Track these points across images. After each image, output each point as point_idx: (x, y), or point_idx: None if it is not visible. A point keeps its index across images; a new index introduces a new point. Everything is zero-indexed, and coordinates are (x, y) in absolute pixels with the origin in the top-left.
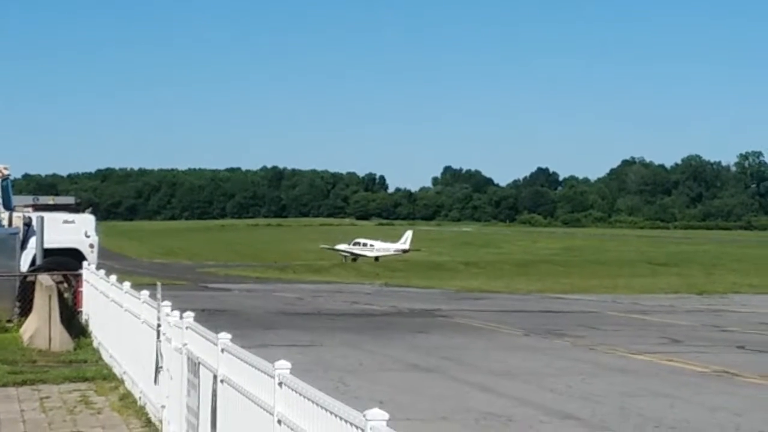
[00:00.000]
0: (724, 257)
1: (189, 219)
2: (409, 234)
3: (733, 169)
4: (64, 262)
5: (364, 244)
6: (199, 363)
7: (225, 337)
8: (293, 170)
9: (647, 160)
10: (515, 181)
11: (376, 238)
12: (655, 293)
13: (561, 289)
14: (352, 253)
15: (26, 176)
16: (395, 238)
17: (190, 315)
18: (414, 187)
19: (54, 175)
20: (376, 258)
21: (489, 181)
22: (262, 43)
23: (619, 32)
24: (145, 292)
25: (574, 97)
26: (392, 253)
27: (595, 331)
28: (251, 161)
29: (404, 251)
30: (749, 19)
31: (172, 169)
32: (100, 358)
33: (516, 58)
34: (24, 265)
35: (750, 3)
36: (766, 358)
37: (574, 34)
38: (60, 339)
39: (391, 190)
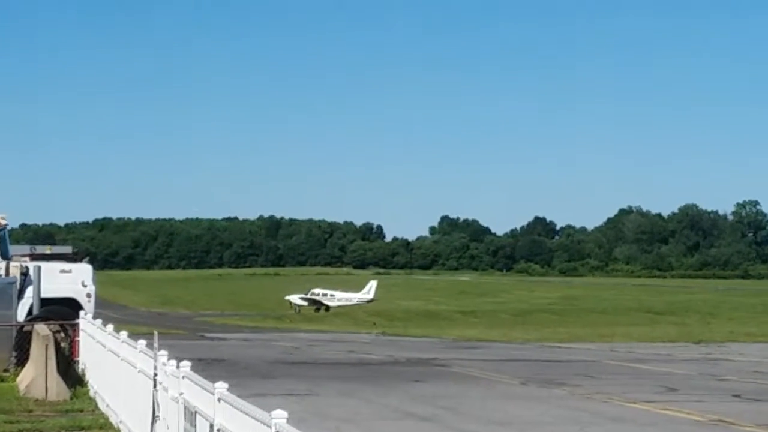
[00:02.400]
0: (721, 306)
1: (186, 268)
2: (373, 284)
3: (730, 218)
4: (61, 311)
5: (324, 294)
6: (195, 412)
7: (222, 386)
8: (290, 219)
9: (644, 208)
10: (512, 230)
11: (336, 288)
12: (652, 342)
13: (558, 338)
14: (312, 303)
15: (23, 226)
16: (358, 288)
17: (186, 364)
18: (411, 236)
19: (51, 225)
20: (327, 308)
21: (486, 230)
22: (258, 92)
23: (613, 80)
24: (142, 342)
25: (571, 146)
26: (355, 303)
27: (592, 379)
28: (248, 210)
29: (368, 301)
30: (743, 66)
31: (170, 219)
32: (97, 408)
33: (511, 107)
34: (21, 314)
35: (743, 50)
36: (761, 407)
37: (568, 82)
38: (57, 388)
39: (388, 239)
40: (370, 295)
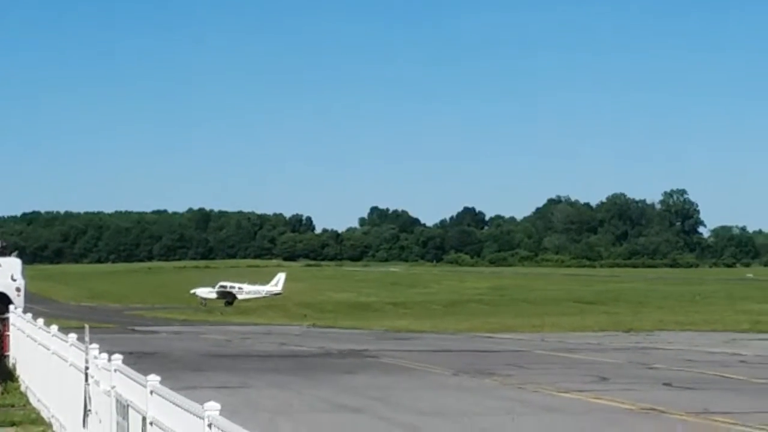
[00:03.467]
0: (650, 295)
1: (116, 262)
2: (281, 276)
3: (658, 207)
4: None
5: (232, 287)
6: (128, 405)
7: (154, 379)
8: (220, 212)
9: (572, 198)
10: (442, 221)
11: (243, 281)
12: (582, 331)
13: (489, 329)
14: (221, 296)
15: None
16: (265, 281)
17: (118, 357)
18: (341, 228)
19: None
20: (230, 302)
21: (416, 221)
22: (186, 85)
23: (538, 70)
24: (73, 335)
25: (499, 136)
26: (263, 295)
27: (523, 369)
28: (178, 203)
29: (276, 294)
30: (669, 55)
31: (98, 212)
32: (28, 402)
33: (440, 97)
34: None
35: (668, 38)
36: (692, 395)
37: (498, 74)
38: None
39: (318, 230)
40: (278, 288)
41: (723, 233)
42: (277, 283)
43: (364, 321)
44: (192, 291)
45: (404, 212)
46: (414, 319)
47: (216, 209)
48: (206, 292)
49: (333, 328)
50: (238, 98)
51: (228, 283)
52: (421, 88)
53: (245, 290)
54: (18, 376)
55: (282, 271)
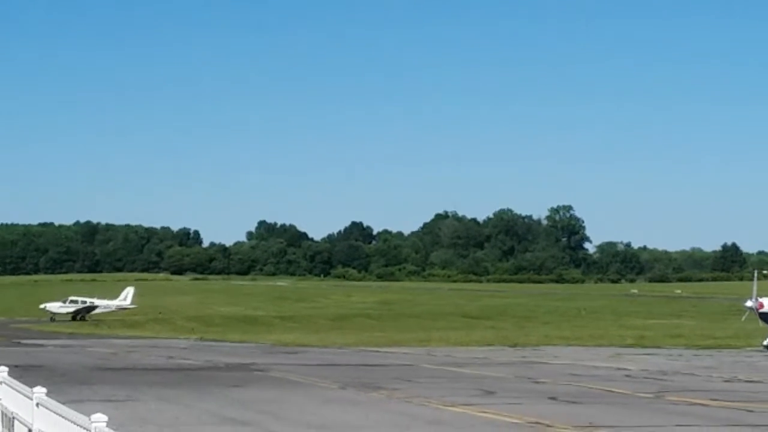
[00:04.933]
0: (536, 310)
1: (2, 275)
2: (129, 290)
3: (545, 222)
4: None
5: (83, 302)
6: (14, 418)
7: (40, 391)
8: (107, 225)
9: (460, 213)
10: (330, 236)
11: (93, 296)
12: (469, 346)
13: (376, 343)
14: (73, 311)
15: None
16: (114, 295)
17: (4, 370)
18: (228, 242)
19: None
20: (83, 317)
21: (303, 236)
22: (73, 95)
23: (428, 84)
24: None
25: (386, 151)
26: (113, 310)
27: (410, 383)
28: (64, 216)
29: (125, 308)
30: (555, 70)
31: None
32: None
33: (328, 111)
34: None
35: (549, 54)
36: (576, 409)
37: (385, 89)
38: None
39: (205, 244)
40: (127, 302)
41: (608, 249)
42: (126, 297)
43: (252, 335)
44: (42, 306)
45: (292, 226)
46: (301, 333)
47: (103, 222)
48: (57, 307)
49: (221, 342)
50: (126, 110)
51: (79, 298)
52: (309, 101)
53: (96, 304)
54: None
55: (131, 285)
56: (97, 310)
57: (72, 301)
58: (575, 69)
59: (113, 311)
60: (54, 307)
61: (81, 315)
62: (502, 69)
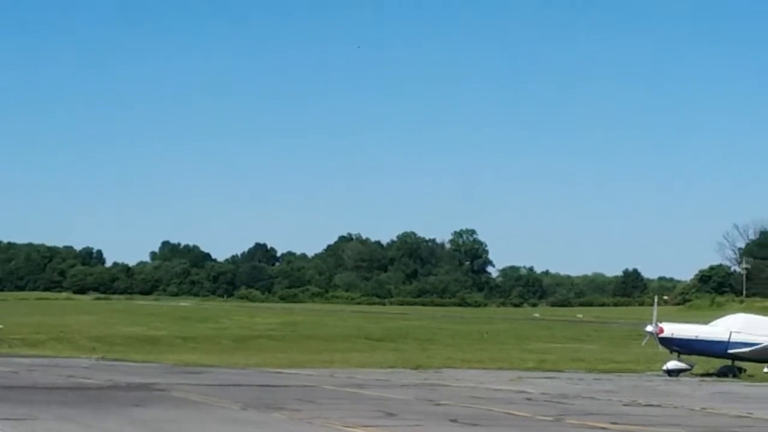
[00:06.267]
0: (439, 333)
1: None
2: None
3: (448, 246)
4: None
5: None
6: None
7: None
8: (9, 243)
9: (364, 236)
10: (233, 256)
11: None
12: (371, 368)
13: (279, 364)
14: None
15: None
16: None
17: None
18: (132, 261)
19: None
20: None
21: (207, 256)
22: None
23: (326, 107)
24: None
25: (291, 172)
26: None
27: (312, 404)
28: None
29: None
30: (453, 90)
31: None
32: None
33: (230, 134)
34: None
35: (449, 71)
36: (477, 431)
37: (287, 108)
38: None
39: (108, 264)
40: None
41: (511, 273)
42: None
43: (154, 355)
44: None
45: (195, 247)
46: (203, 353)
47: (5, 240)
48: None
49: (122, 362)
50: (27, 127)
51: None
52: (211, 121)
53: None
54: None
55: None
56: None
57: None
58: (478, 91)
59: None
60: None
61: None
62: (402, 91)
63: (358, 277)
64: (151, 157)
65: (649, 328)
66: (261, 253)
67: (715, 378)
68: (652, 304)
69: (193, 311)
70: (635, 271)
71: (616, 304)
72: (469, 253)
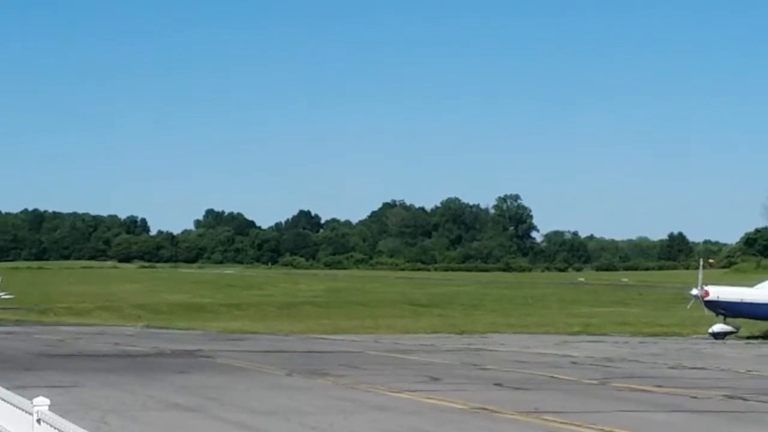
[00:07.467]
0: (483, 298)
1: None
2: None
3: (492, 211)
4: None
5: None
6: None
7: None
8: (54, 213)
9: (407, 202)
10: (277, 224)
11: None
12: (416, 333)
13: (323, 330)
14: None
15: None
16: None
17: None
18: (176, 230)
19: None
20: None
21: (251, 224)
22: (19, 83)
23: (376, 76)
24: None
25: (335, 139)
26: None
27: (356, 370)
28: (11, 204)
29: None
30: (503, 61)
31: None
32: None
33: (276, 99)
34: None
35: (502, 44)
36: (522, 395)
37: (332, 78)
38: None
39: (153, 232)
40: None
41: (555, 238)
42: None
43: (199, 322)
44: None
45: (240, 215)
46: (248, 320)
47: (50, 210)
48: None
49: (167, 329)
50: (72, 97)
51: None
52: (255, 90)
53: None
54: None
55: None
56: None
57: None
58: (523, 58)
59: None
60: None
61: None
62: (448, 59)
63: (402, 243)
64: (196, 126)
65: (695, 292)
66: (305, 220)
67: (761, 340)
68: (697, 268)
69: (237, 279)
70: (680, 234)
71: (660, 268)
72: (513, 218)
